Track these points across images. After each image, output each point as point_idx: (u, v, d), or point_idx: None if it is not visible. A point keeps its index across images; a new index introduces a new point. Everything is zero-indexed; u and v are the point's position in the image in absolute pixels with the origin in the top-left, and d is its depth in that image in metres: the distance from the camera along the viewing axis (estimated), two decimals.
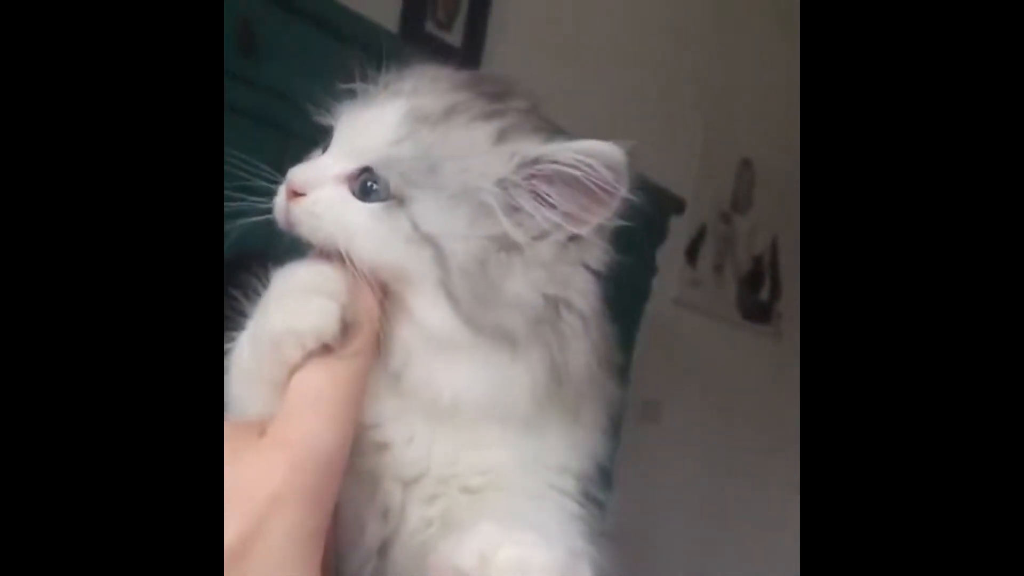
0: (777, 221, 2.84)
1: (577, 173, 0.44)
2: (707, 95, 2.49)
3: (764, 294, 2.87)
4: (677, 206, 1.96)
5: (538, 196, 0.45)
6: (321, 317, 0.41)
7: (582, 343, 0.46)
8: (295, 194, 0.47)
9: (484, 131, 0.47)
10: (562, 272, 0.46)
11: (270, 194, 0.49)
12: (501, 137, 0.47)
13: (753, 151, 2.70)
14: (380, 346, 0.45)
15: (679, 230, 2.20)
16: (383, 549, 0.46)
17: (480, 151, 0.46)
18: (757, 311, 2.83)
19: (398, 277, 0.45)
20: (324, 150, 0.49)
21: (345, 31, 1.20)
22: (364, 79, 0.50)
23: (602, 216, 0.45)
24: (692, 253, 2.52)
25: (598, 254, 0.47)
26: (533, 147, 0.46)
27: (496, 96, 0.49)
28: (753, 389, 2.75)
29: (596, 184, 0.44)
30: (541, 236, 0.45)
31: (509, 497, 0.46)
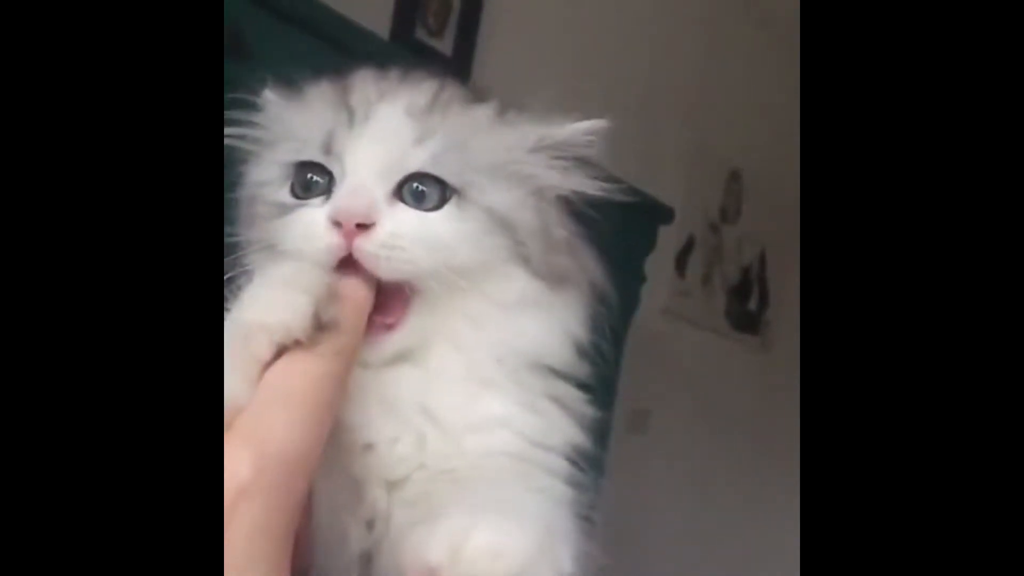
0: (765, 232, 2.85)
1: (584, 151, 0.49)
2: (696, 106, 2.50)
3: (752, 304, 2.88)
4: (666, 216, 1.96)
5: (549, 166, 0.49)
6: (291, 312, 0.40)
7: (593, 253, 0.51)
8: (360, 227, 0.44)
9: (482, 112, 0.49)
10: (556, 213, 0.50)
11: None
12: (499, 115, 0.49)
13: (742, 162, 2.71)
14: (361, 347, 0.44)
15: (667, 240, 2.20)
16: (366, 557, 0.45)
17: (487, 129, 0.48)
18: (745, 321, 2.84)
19: (480, 271, 0.46)
20: (306, 186, 0.47)
21: (336, 37, 1.20)
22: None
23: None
24: (681, 263, 2.53)
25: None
26: (540, 128, 0.49)
27: (448, 82, 0.51)
28: (741, 399, 2.76)
29: (592, 155, 0.50)
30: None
31: (493, 485, 0.45)
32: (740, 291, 2.82)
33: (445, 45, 1.78)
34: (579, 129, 0.49)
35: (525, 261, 0.47)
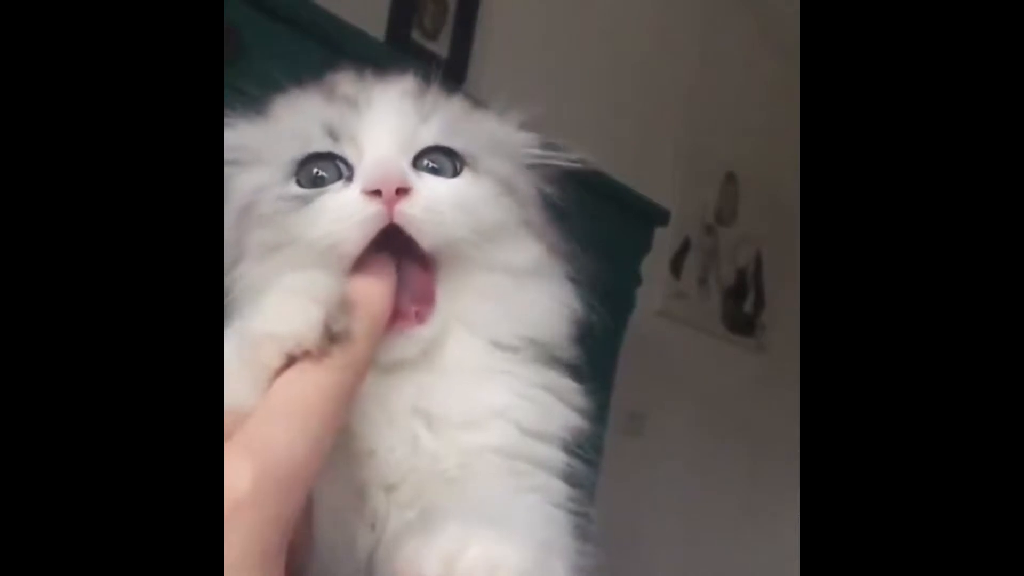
0: (761, 234, 2.86)
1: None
2: (692, 108, 2.51)
3: (748, 306, 2.88)
4: (662, 218, 1.96)
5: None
6: (302, 322, 0.40)
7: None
8: (399, 193, 0.43)
9: (457, 101, 0.51)
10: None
11: None
12: (473, 108, 0.52)
13: (737, 165, 2.71)
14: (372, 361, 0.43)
15: (663, 242, 2.20)
16: (369, 559, 0.44)
17: (468, 114, 0.50)
18: (741, 323, 2.84)
19: (499, 233, 0.47)
20: (313, 179, 0.46)
21: (331, 39, 1.20)
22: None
23: None
24: (676, 265, 2.53)
25: None
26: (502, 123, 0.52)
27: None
28: (737, 401, 2.76)
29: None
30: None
31: (485, 486, 0.44)
32: (736, 293, 2.82)
33: (441, 47, 1.78)
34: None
35: (528, 224, 0.49)
